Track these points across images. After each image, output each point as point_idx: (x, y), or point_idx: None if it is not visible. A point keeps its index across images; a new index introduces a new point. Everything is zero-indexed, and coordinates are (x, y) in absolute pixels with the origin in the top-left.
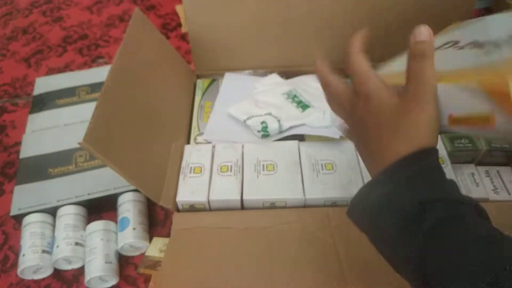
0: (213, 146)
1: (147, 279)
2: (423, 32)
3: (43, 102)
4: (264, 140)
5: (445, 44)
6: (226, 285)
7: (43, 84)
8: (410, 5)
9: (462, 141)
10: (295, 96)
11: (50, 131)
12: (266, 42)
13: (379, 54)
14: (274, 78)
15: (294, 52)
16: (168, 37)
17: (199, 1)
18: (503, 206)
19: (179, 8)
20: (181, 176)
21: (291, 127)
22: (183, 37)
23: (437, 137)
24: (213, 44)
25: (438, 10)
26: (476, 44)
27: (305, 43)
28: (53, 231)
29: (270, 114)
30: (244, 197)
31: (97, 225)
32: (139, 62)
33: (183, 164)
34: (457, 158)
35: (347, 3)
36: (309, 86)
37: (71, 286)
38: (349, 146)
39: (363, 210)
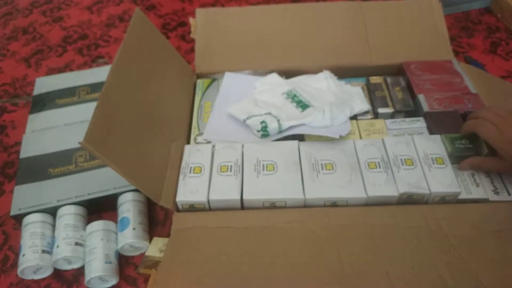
0: (213, 146)
1: (147, 279)
2: None
3: (43, 102)
4: (264, 140)
5: None
6: (226, 284)
7: (43, 84)
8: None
9: (463, 141)
10: (294, 95)
11: (50, 131)
12: (266, 43)
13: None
14: (274, 77)
15: (294, 52)
16: (168, 37)
17: (210, 12)
18: (504, 207)
19: (192, 20)
20: (181, 176)
21: (290, 127)
22: (183, 37)
23: None
24: (217, 46)
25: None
26: None
27: (304, 43)
28: (53, 231)
29: (269, 113)
30: (244, 197)
31: (97, 225)
32: (139, 62)
33: (183, 164)
34: (457, 159)
35: (342, 11)
36: (309, 85)
37: (71, 286)
38: (349, 146)
39: None
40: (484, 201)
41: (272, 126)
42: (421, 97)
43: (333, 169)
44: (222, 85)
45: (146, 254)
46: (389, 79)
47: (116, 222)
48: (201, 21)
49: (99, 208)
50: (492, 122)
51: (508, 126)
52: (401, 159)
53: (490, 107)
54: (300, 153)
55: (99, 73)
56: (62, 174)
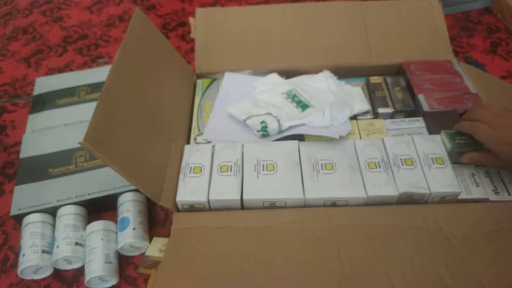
0: (213, 146)
1: (147, 279)
2: None
3: (43, 102)
4: (264, 140)
5: None
6: (226, 284)
7: (43, 84)
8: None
9: (463, 137)
10: (294, 95)
11: (50, 131)
12: (266, 43)
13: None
14: (274, 77)
15: (294, 52)
16: (168, 37)
17: (210, 12)
18: (504, 207)
19: (192, 20)
20: (181, 176)
21: (290, 127)
22: (183, 37)
23: None
24: (216, 46)
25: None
26: None
27: (304, 43)
28: (53, 231)
29: (269, 113)
30: (244, 197)
31: (97, 225)
32: (139, 62)
33: (183, 164)
34: (458, 155)
35: (342, 11)
36: (309, 85)
37: (71, 286)
38: (349, 146)
39: None
40: (484, 201)
41: (272, 126)
42: (421, 97)
43: (333, 169)
44: (222, 85)
45: (146, 254)
46: (389, 79)
47: (116, 222)
48: (201, 21)
49: (99, 208)
50: (487, 123)
51: (503, 126)
52: (401, 159)
53: (484, 105)
54: (300, 153)
55: (99, 73)
56: (62, 174)
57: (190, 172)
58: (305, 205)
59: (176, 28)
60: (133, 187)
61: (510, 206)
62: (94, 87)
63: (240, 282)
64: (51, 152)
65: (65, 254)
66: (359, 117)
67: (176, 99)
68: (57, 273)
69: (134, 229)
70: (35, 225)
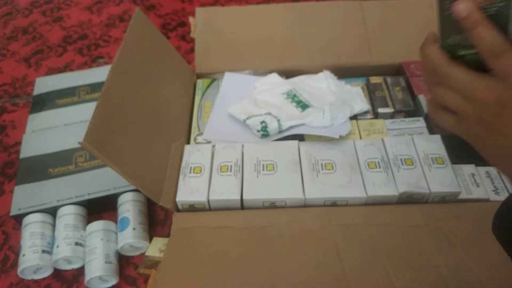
0: (213, 146)
1: (147, 279)
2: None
3: (43, 102)
4: (264, 140)
5: None
6: (226, 284)
7: (43, 84)
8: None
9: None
10: (294, 95)
11: (50, 131)
12: (266, 42)
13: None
14: (274, 77)
15: (294, 52)
16: (168, 37)
17: (210, 12)
18: None
19: (192, 20)
20: (181, 176)
21: (290, 127)
22: (183, 37)
23: None
24: (216, 46)
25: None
26: None
27: (304, 43)
28: (53, 231)
29: (269, 113)
30: (244, 197)
31: (97, 225)
32: (139, 62)
33: (183, 164)
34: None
35: (342, 10)
36: (309, 86)
37: (71, 286)
38: (349, 146)
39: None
40: (485, 201)
41: (272, 126)
42: (421, 98)
43: (333, 169)
44: (222, 85)
45: (146, 254)
46: (389, 79)
47: (116, 222)
48: (201, 21)
49: (99, 208)
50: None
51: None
52: (401, 159)
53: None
54: (300, 153)
55: (99, 73)
56: (62, 174)
57: (190, 172)
58: (305, 205)
59: (176, 28)
60: (133, 187)
61: None
62: (94, 87)
63: (240, 282)
64: (51, 152)
65: (65, 254)
66: (359, 117)
67: (176, 99)
68: (57, 273)
69: (134, 229)
70: (35, 225)
